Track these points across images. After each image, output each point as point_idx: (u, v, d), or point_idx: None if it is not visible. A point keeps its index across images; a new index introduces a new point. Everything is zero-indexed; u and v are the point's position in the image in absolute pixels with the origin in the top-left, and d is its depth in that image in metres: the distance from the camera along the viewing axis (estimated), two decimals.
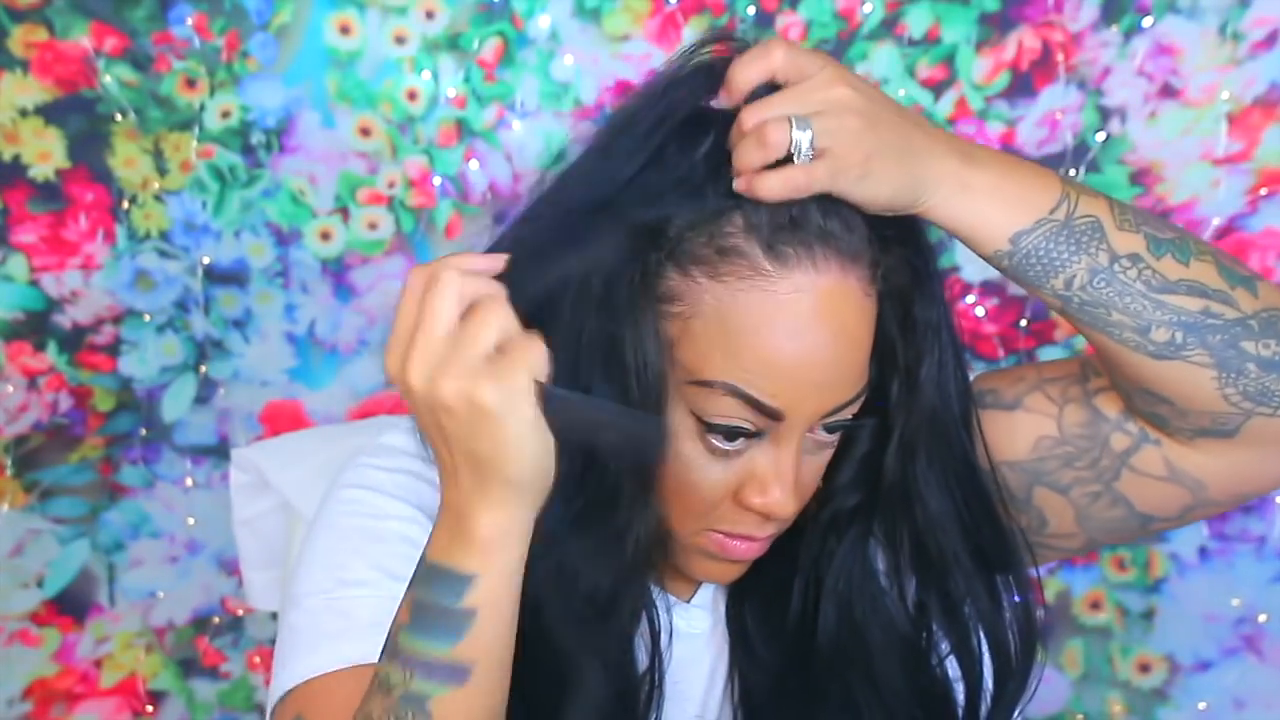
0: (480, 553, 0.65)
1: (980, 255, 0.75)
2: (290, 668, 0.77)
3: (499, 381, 0.62)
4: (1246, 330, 0.75)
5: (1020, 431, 0.83)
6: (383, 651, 0.67)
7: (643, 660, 0.80)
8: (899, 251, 0.74)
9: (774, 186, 0.68)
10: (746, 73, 0.70)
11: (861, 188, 0.69)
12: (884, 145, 0.69)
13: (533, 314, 0.66)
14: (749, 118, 0.69)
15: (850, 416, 0.75)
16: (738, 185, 0.69)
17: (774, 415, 0.71)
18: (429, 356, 0.63)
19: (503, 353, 0.63)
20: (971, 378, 0.84)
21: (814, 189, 0.68)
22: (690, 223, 0.70)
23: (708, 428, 0.72)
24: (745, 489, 0.74)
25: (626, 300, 0.70)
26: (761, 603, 0.84)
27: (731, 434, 0.72)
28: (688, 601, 0.85)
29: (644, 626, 0.80)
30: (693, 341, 0.71)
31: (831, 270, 0.70)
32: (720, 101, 0.71)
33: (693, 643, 0.84)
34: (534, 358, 0.63)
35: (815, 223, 0.70)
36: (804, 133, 0.68)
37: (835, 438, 0.76)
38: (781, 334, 0.70)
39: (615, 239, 0.70)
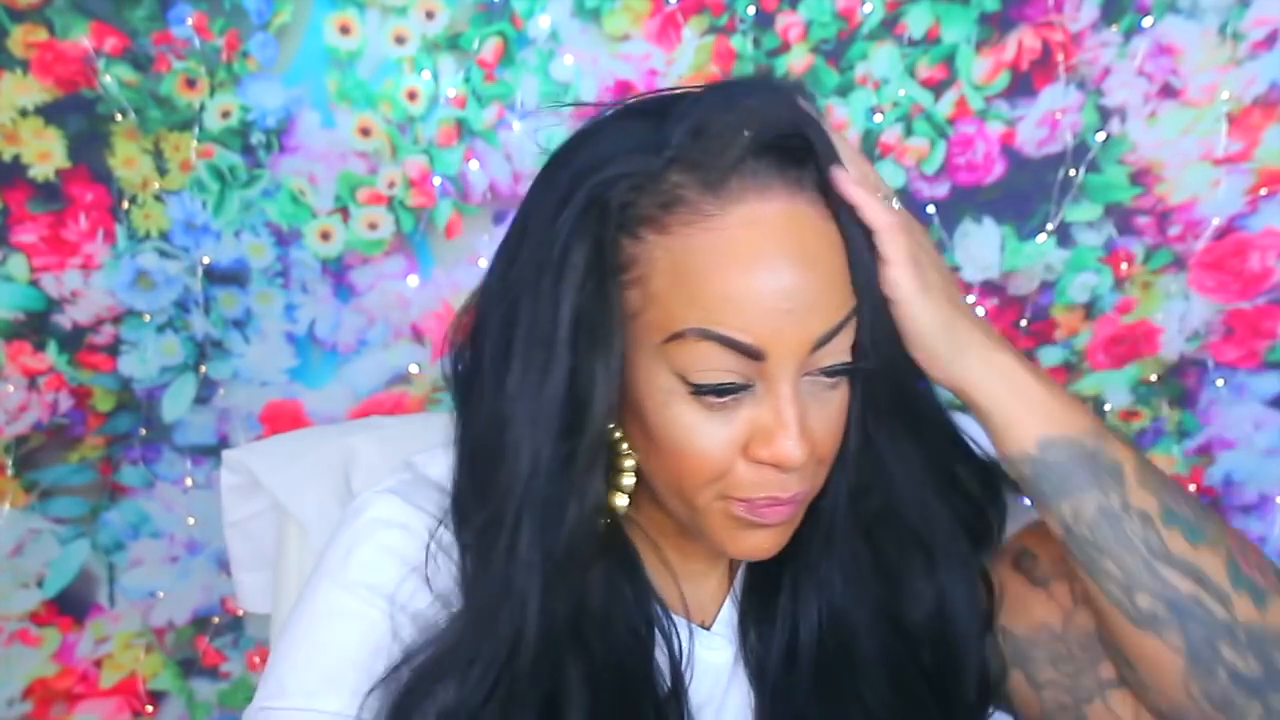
0: None
1: (1001, 453, 0.75)
2: None
3: None
4: (1231, 636, 0.71)
5: (1032, 610, 0.82)
6: None
7: (663, 684, 0.78)
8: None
9: (862, 196, 0.72)
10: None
11: (917, 296, 0.72)
12: (944, 287, 0.73)
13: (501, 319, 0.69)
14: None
15: (847, 359, 0.73)
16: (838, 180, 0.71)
17: (753, 353, 0.70)
18: None
19: None
20: (1028, 518, 0.84)
21: (879, 227, 0.72)
22: (631, 187, 0.70)
23: (695, 389, 0.71)
24: (753, 444, 0.72)
25: (585, 276, 0.70)
26: (771, 629, 0.83)
27: (720, 390, 0.71)
28: (708, 628, 0.83)
29: (661, 650, 0.79)
30: (656, 300, 0.70)
31: (777, 196, 0.70)
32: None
33: (717, 675, 0.82)
34: None
35: (751, 156, 0.70)
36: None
37: (839, 381, 0.74)
38: (737, 267, 0.69)
39: (566, 223, 0.70)
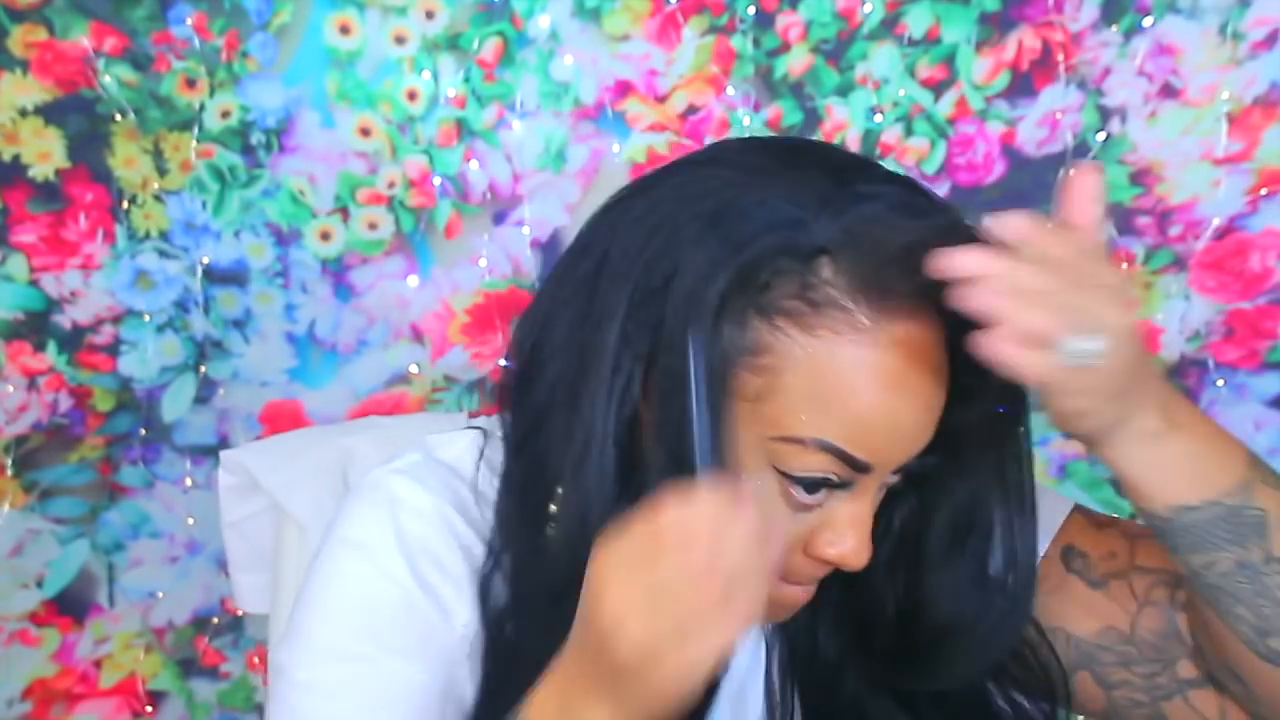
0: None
1: (1132, 504, 0.71)
2: None
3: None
4: None
5: (1094, 612, 0.79)
6: None
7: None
8: None
9: (1014, 357, 0.60)
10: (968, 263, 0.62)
11: (1068, 417, 0.64)
12: (1115, 385, 0.63)
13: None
14: (1040, 253, 0.62)
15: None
16: (959, 297, 0.61)
17: (864, 469, 0.68)
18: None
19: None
20: (1068, 510, 0.82)
21: (1034, 383, 0.62)
22: (778, 269, 0.66)
23: (792, 480, 0.68)
24: (817, 539, 0.70)
25: (707, 346, 0.65)
26: (791, 623, 0.81)
27: (814, 486, 0.68)
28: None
29: None
30: (781, 396, 0.67)
31: (925, 319, 0.67)
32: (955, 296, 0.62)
33: (733, 671, 0.80)
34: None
35: (910, 274, 0.64)
36: (1095, 344, 0.61)
37: (898, 479, 0.72)
38: (878, 389, 0.66)
39: (702, 284, 0.66)
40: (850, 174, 0.69)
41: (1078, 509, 0.83)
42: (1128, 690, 0.79)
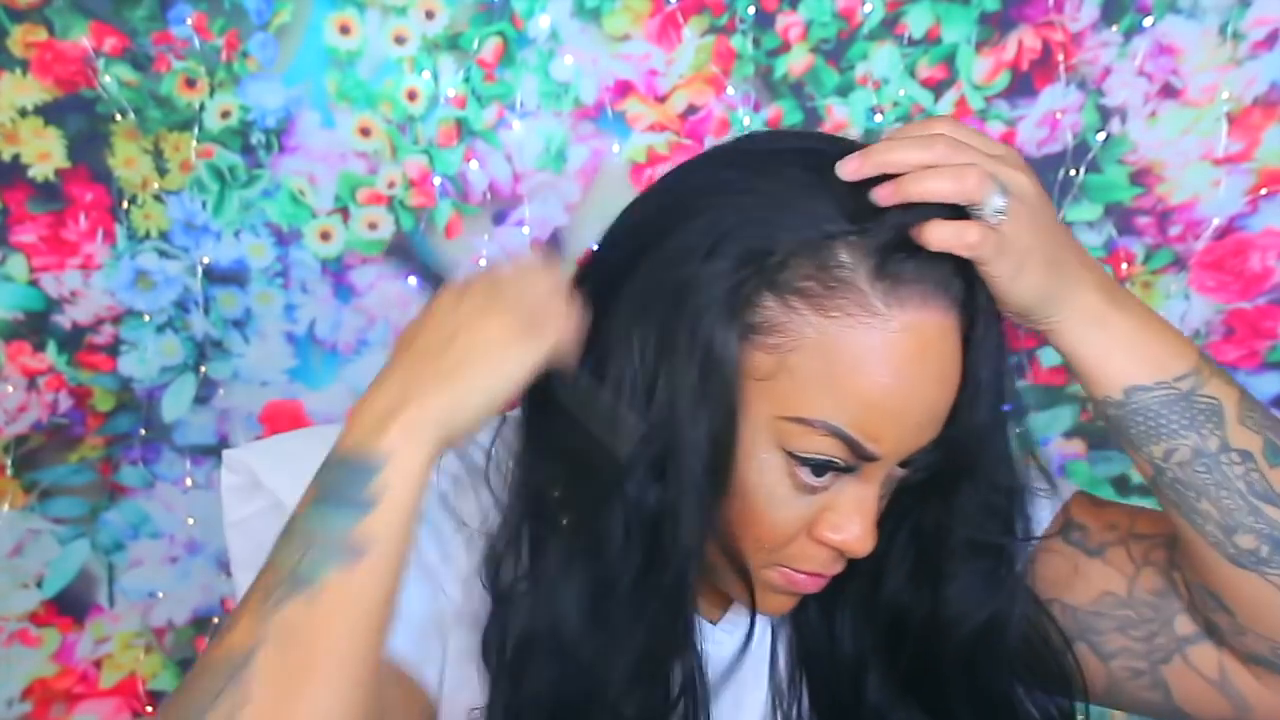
0: (403, 434, 0.64)
1: (1088, 395, 0.73)
2: None
3: (534, 328, 0.66)
4: None
5: (1091, 579, 0.80)
6: (280, 536, 0.65)
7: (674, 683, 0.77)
8: (983, 295, 0.70)
9: (944, 236, 0.65)
10: (905, 155, 0.67)
11: (1010, 281, 0.67)
12: (1043, 248, 0.68)
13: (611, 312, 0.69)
14: (939, 153, 0.67)
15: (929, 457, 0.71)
16: (886, 194, 0.66)
17: (870, 457, 0.69)
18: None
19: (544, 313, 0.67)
20: (1069, 494, 0.82)
21: (974, 256, 0.66)
22: (794, 249, 0.67)
23: (798, 461, 0.69)
24: (820, 524, 0.71)
25: (718, 321, 0.67)
26: (783, 623, 0.82)
27: (821, 469, 0.69)
28: (714, 624, 0.82)
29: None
30: (791, 376, 0.67)
31: (939, 307, 0.67)
32: (882, 194, 0.67)
33: (725, 670, 0.81)
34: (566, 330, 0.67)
35: (927, 259, 0.67)
36: (1001, 199, 0.66)
37: (905, 472, 0.73)
38: (889, 374, 0.67)
39: (719, 259, 0.67)
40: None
41: (1080, 492, 0.84)
42: (1126, 660, 0.79)
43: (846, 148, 0.70)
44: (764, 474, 0.69)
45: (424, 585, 0.75)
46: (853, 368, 0.67)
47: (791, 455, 0.69)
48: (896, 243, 0.66)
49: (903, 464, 0.71)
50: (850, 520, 0.70)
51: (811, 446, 0.68)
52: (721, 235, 0.67)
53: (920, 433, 0.69)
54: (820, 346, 0.67)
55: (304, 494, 0.66)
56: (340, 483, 0.64)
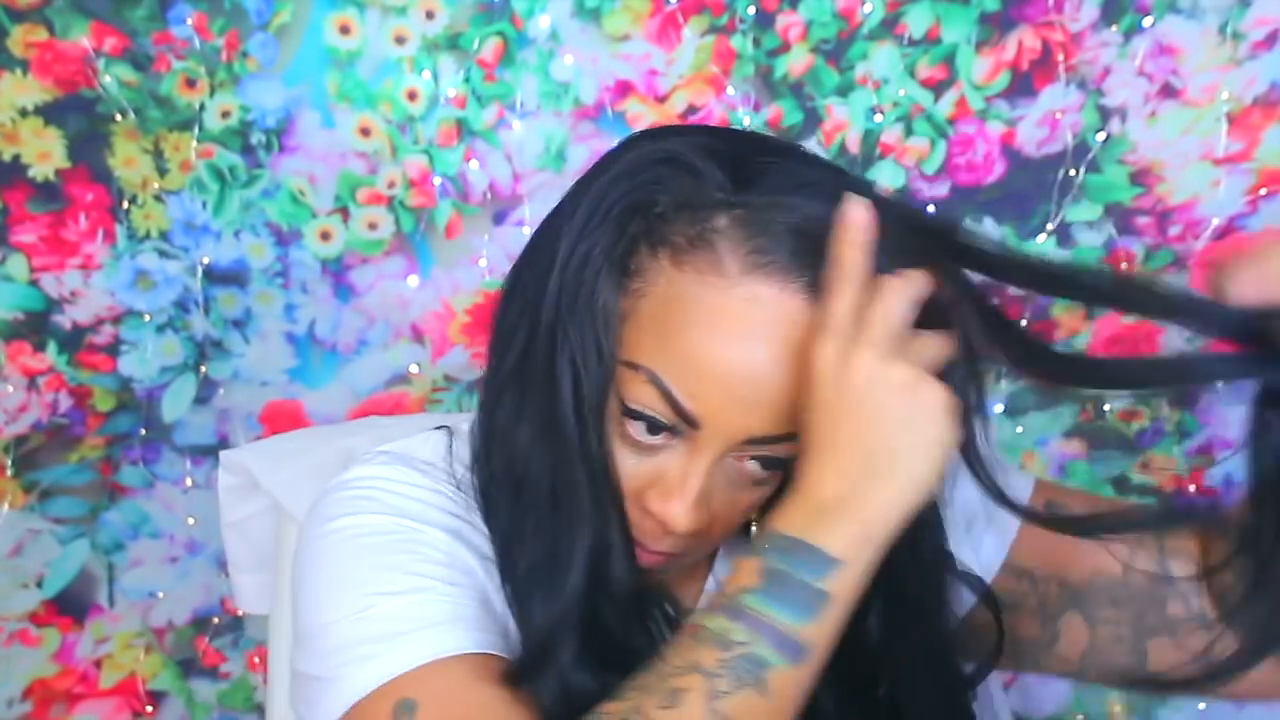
0: (855, 544, 0.64)
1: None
2: (370, 668, 0.69)
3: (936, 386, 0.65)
4: None
5: (1086, 557, 0.81)
6: (716, 607, 0.64)
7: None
8: None
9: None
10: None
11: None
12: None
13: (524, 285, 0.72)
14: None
15: (785, 459, 0.71)
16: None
17: (689, 420, 0.69)
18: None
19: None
20: (1030, 484, 0.84)
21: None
22: (678, 204, 0.70)
23: (626, 412, 0.70)
24: (649, 490, 0.72)
25: (601, 268, 0.71)
26: None
27: (652, 426, 0.70)
28: (690, 610, 0.82)
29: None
30: (637, 322, 0.70)
31: (790, 293, 0.68)
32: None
33: None
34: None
35: (793, 241, 0.68)
36: None
37: (769, 476, 0.72)
38: (719, 337, 0.68)
39: (610, 211, 0.71)
40: (774, 150, 0.73)
41: (1039, 481, 0.86)
42: (1112, 628, 0.81)
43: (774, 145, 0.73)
44: (610, 422, 0.72)
45: (466, 581, 0.75)
46: (684, 322, 0.68)
47: (622, 404, 0.70)
48: (776, 219, 0.68)
49: (755, 457, 0.71)
50: (671, 491, 0.71)
51: (637, 396, 0.70)
52: (610, 187, 0.72)
53: (747, 412, 0.69)
54: (664, 297, 0.69)
55: (742, 565, 0.65)
56: (789, 575, 0.64)
